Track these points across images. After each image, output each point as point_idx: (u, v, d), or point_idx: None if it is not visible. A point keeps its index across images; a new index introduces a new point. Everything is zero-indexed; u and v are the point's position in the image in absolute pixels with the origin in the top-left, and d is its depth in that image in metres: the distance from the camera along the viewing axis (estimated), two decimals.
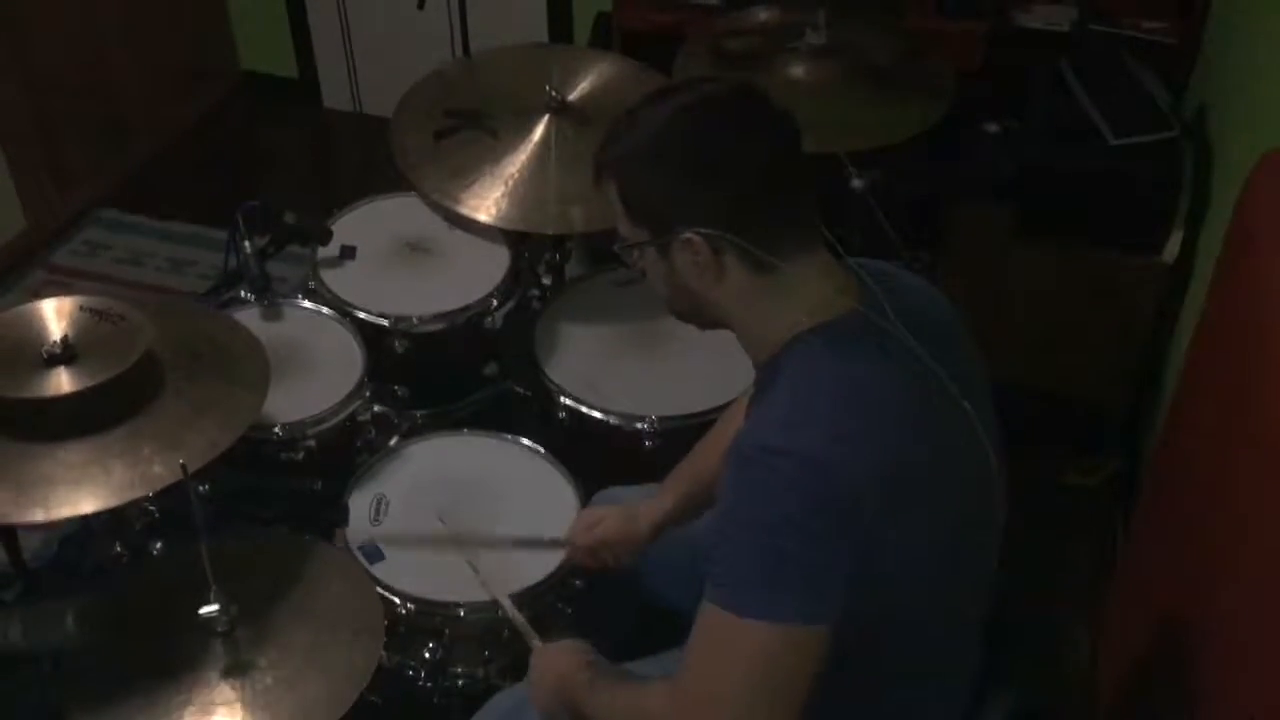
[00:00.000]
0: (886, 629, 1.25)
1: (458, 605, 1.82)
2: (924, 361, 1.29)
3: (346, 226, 2.41)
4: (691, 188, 1.28)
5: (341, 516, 1.92)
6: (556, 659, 1.56)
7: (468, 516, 1.93)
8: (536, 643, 1.68)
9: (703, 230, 1.27)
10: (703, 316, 1.39)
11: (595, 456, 2.07)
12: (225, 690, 1.52)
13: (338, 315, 2.25)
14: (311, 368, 2.16)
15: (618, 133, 1.34)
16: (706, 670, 1.26)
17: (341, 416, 2.09)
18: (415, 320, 2.24)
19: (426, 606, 1.82)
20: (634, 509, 1.75)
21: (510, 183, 2.28)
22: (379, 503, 1.97)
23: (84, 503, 1.57)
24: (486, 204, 2.27)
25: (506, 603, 1.79)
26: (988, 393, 1.38)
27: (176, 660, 1.55)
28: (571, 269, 2.60)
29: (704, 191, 1.27)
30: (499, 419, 2.29)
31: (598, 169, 1.36)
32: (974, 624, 1.42)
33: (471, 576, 1.84)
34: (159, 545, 2.11)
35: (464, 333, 2.27)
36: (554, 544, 1.86)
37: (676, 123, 1.30)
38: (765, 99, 1.32)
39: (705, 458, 1.71)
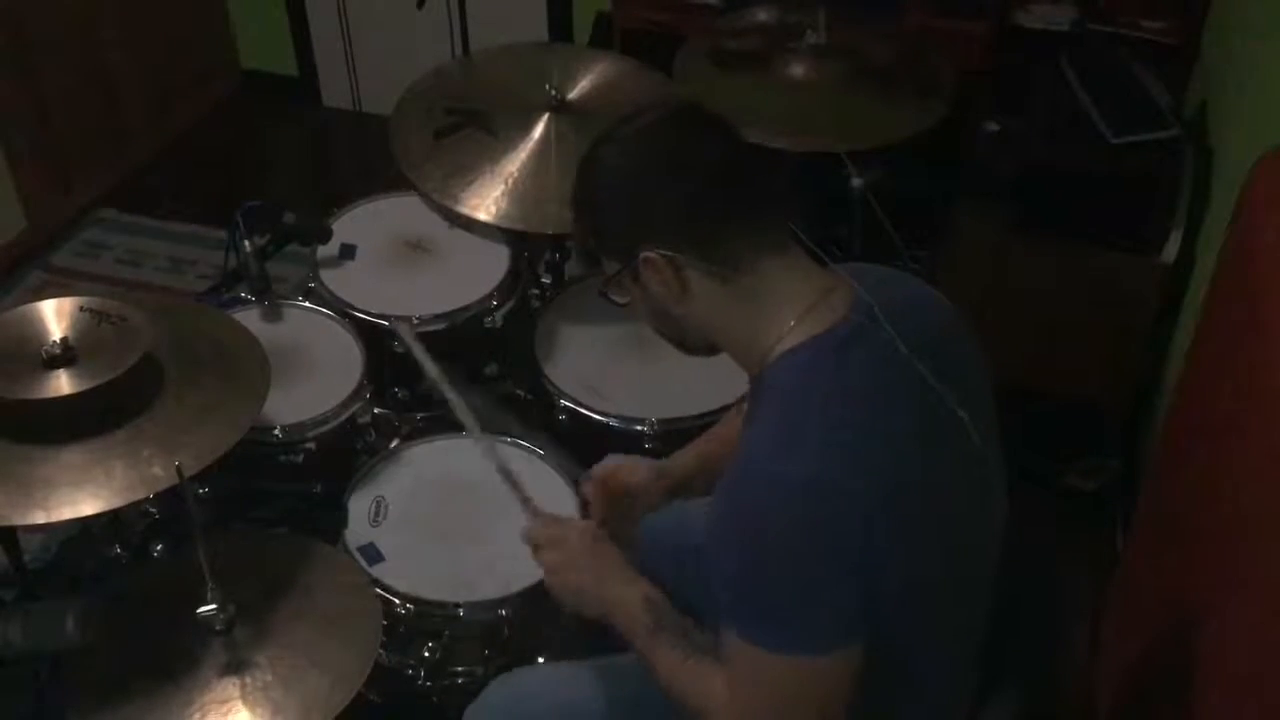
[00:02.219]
0: (888, 638, 1.25)
1: (457, 605, 1.82)
2: (917, 370, 1.28)
3: (346, 226, 2.41)
4: (636, 211, 1.33)
5: (341, 519, 1.92)
6: (601, 567, 1.48)
7: (467, 519, 1.93)
8: (536, 507, 1.59)
9: (656, 249, 1.30)
10: (688, 338, 1.41)
11: (595, 459, 2.06)
12: (225, 689, 1.53)
13: (338, 315, 2.25)
14: (311, 369, 2.16)
15: (577, 182, 1.40)
16: (746, 697, 1.27)
17: (342, 419, 2.09)
18: (415, 320, 2.24)
19: (425, 607, 1.83)
20: (663, 466, 1.70)
21: (510, 182, 2.28)
22: (378, 505, 1.97)
23: (84, 504, 1.57)
24: (486, 203, 2.27)
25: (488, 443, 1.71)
26: (988, 397, 1.38)
27: (176, 660, 1.56)
28: (571, 269, 2.60)
29: (647, 212, 1.32)
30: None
31: (572, 216, 1.42)
32: (974, 627, 1.42)
33: (470, 576, 1.85)
34: (159, 547, 2.11)
35: (464, 333, 2.27)
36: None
37: (615, 156, 1.36)
38: (701, 116, 1.36)
39: (717, 440, 1.71)
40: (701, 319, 1.35)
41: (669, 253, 1.30)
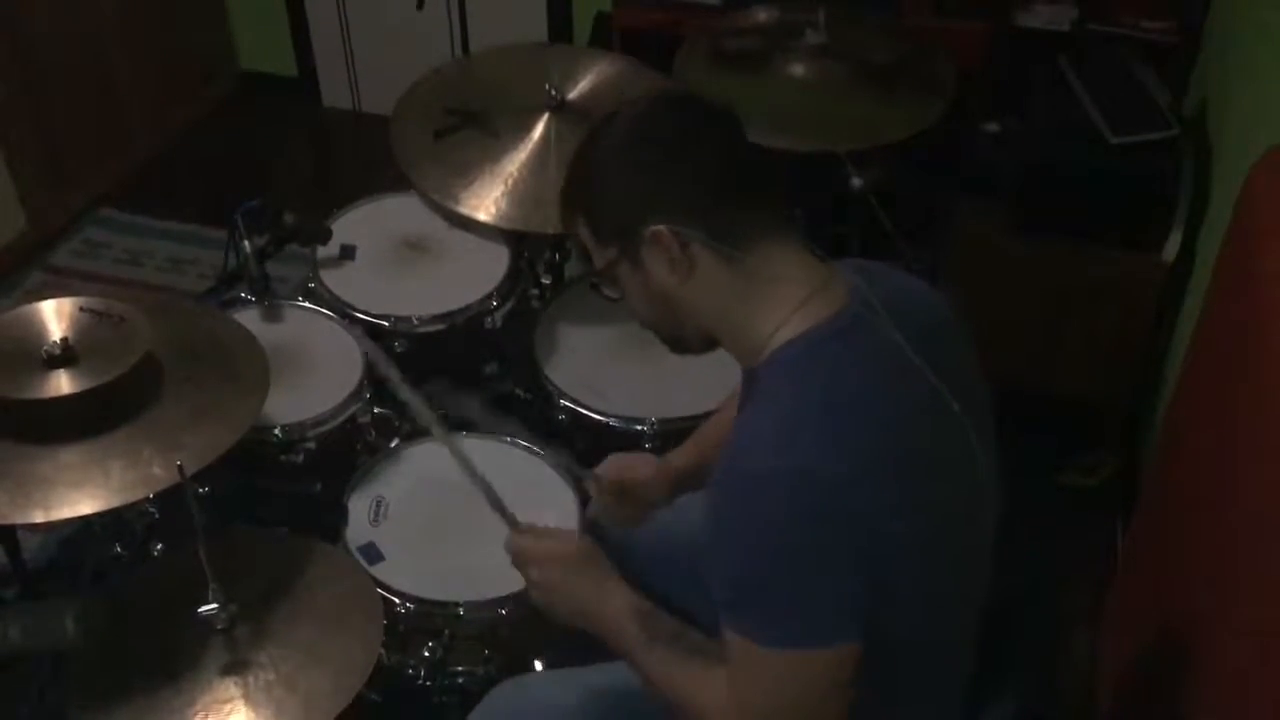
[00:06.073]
0: (885, 637, 1.25)
1: (457, 605, 1.83)
2: (913, 363, 1.28)
3: (346, 226, 2.41)
4: (644, 185, 1.31)
5: (341, 519, 1.92)
6: (583, 576, 1.47)
7: (467, 519, 1.93)
8: (514, 516, 1.53)
9: (665, 223, 1.29)
10: (685, 328, 1.38)
11: (595, 459, 2.06)
12: (226, 688, 1.53)
13: (338, 315, 2.25)
14: (311, 369, 2.16)
15: (573, 168, 1.38)
16: (747, 694, 1.27)
17: (341, 419, 2.09)
18: (415, 320, 2.24)
19: (425, 607, 1.83)
20: (665, 461, 1.71)
21: (510, 182, 2.28)
22: (378, 505, 1.97)
23: (84, 504, 1.57)
24: (486, 203, 2.27)
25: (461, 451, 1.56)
26: (984, 394, 1.38)
27: (177, 660, 1.56)
28: (571, 269, 2.60)
29: (655, 186, 1.30)
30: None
31: (564, 209, 1.40)
32: (970, 627, 1.42)
33: (470, 576, 1.84)
34: (159, 546, 2.12)
35: (464, 333, 2.27)
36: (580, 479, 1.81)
37: (621, 134, 1.35)
38: (701, 100, 1.37)
39: (715, 430, 1.71)
40: (702, 303, 1.33)
41: (678, 227, 1.29)
